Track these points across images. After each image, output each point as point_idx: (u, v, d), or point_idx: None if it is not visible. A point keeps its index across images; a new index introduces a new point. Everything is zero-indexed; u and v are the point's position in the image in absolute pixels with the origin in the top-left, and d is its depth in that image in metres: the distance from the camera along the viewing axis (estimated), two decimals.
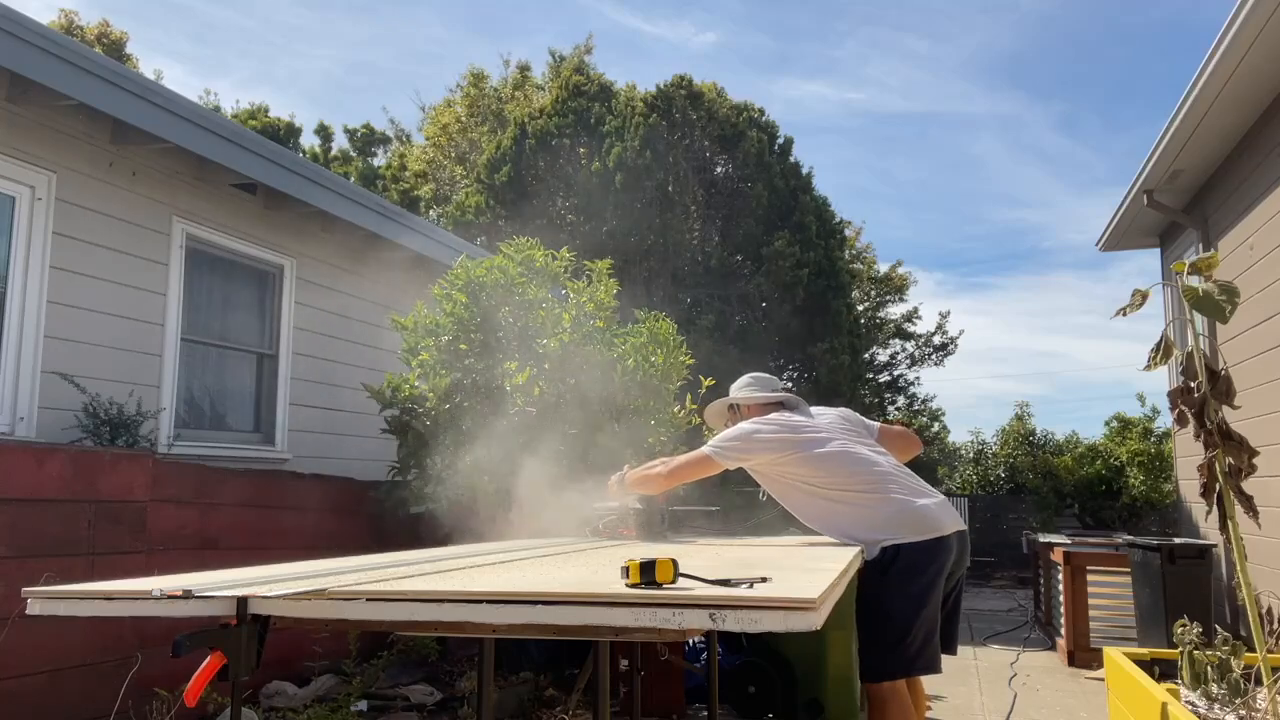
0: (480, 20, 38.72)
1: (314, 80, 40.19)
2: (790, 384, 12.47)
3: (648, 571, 1.73)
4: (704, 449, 3.35)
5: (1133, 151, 35.28)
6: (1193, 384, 2.81)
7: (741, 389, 3.65)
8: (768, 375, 3.72)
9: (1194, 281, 2.80)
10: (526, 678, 5.12)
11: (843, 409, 3.58)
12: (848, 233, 18.07)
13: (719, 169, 12.90)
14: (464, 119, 20.49)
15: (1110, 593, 6.81)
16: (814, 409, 3.52)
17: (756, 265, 12.06)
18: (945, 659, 3.21)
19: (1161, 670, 3.53)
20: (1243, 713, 2.95)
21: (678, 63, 43.95)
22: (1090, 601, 6.83)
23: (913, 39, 37.35)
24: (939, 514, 3.11)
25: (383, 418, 5.59)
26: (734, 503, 5.70)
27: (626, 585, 1.73)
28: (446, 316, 5.43)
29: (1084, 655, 6.66)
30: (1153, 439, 13.44)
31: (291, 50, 39.80)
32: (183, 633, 1.74)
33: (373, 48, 40.25)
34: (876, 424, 3.57)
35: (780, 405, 3.52)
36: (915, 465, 3.67)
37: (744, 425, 3.36)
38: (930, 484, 3.35)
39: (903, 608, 3.01)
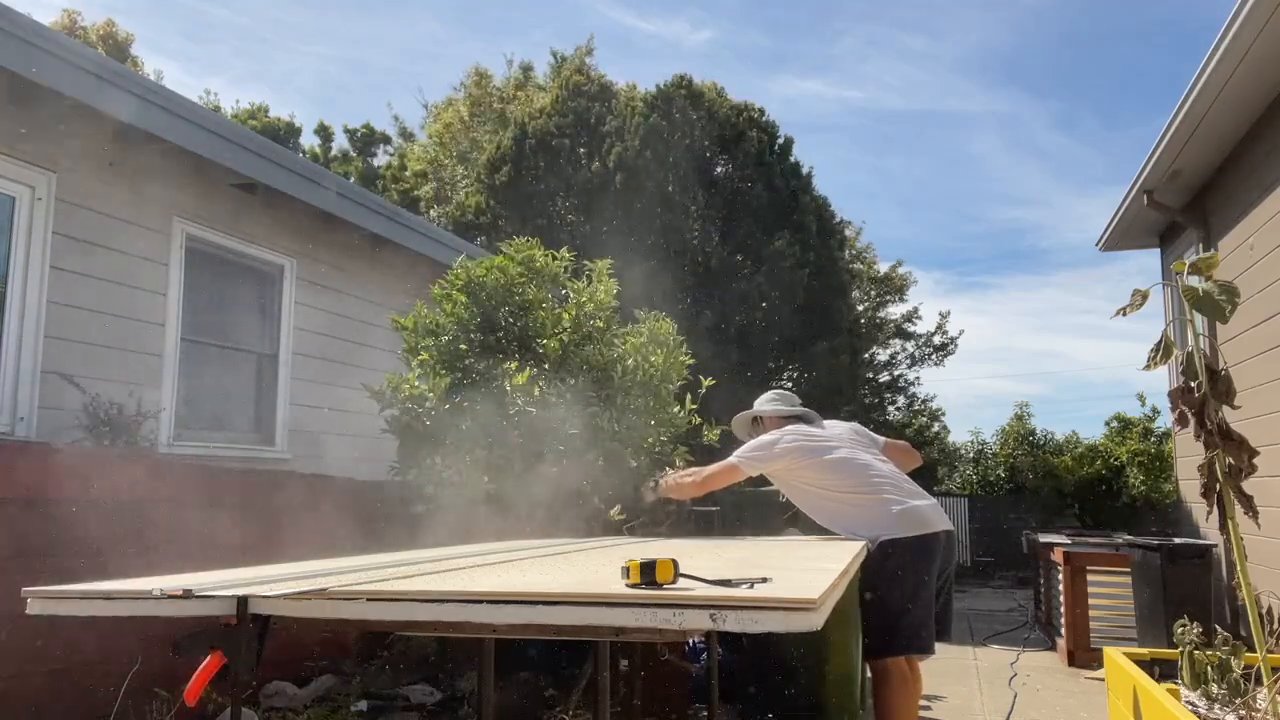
0: (476, 19, 38.76)
1: (311, 79, 40.24)
2: (790, 384, 12.47)
3: (648, 571, 1.73)
4: (731, 459, 3.75)
5: (1132, 149, 35.32)
6: (1193, 384, 2.81)
7: (765, 403, 4.12)
8: (788, 392, 4.23)
9: (1194, 281, 2.80)
10: (526, 678, 5.12)
11: (853, 424, 4.03)
12: (847, 233, 18.05)
13: (719, 169, 12.90)
14: (466, 118, 20.47)
15: (1110, 593, 6.81)
16: (827, 422, 3.98)
17: (756, 265, 12.05)
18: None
19: (1161, 670, 3.52)
20: (1243, 713, 2.95)
21: (673, 60, 43.95)
22: (1090, 601, 6.82)
23: (910, 36, 37.32)
24: (930, 514, 3.52)
25: (383, 418, 5.59)
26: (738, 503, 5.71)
27: (627, 585, 1.73)
28: (446, 317, 5.43)
29: (1084, 655, 6.66)
30: (1153, 439, 13.44)
31: (288, 49, 39.83)
32: (183, 633, 1.74)
33: (370, 46, 40.28)
34: (882, 439, 4.02)
35: (797, 419, 3.95)
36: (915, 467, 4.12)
37: (765, 436, 3.78)
38: (930, 484, 3.61)
39: (899, 595, 3.39)
